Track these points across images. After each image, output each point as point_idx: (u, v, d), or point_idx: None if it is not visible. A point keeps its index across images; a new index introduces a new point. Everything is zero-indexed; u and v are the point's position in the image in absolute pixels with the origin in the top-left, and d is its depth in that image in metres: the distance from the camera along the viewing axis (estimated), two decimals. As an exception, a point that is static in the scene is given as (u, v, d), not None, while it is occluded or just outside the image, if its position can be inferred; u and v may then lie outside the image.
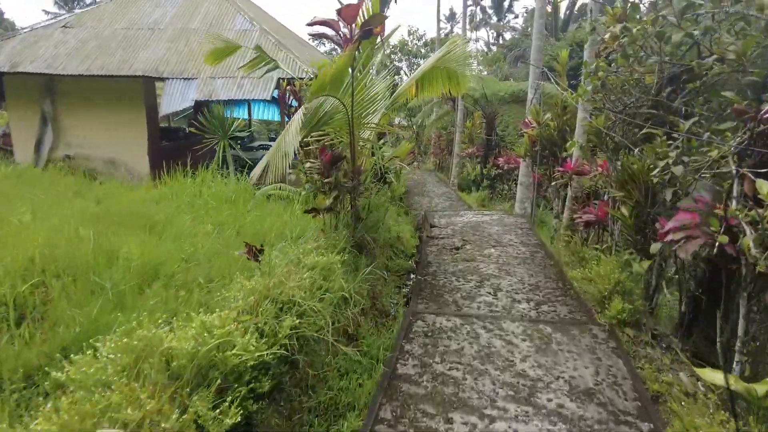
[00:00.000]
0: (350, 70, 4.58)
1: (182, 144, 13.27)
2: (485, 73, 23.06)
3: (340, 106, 4.86)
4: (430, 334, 3.92)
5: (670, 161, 3.46)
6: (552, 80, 7.71)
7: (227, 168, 9.77)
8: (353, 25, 4.54)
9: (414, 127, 25.55)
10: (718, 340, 3.51)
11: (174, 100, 10.10)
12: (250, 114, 18.71)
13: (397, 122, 27.84)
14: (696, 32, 3.65)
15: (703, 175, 3.28)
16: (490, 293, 5.06)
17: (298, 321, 2.87)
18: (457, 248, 6.94)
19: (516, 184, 12.17)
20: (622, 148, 5.40)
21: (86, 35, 11.46)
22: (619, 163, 5.30)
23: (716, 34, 4.00)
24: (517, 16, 48.87)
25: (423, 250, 6.80)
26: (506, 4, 46.92)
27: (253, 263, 3.56)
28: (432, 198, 14.12)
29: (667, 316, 5.18)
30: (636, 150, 4.89)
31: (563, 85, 7.90)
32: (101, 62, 10.60)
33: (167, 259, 4.54)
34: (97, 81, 10.80)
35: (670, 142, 4.09)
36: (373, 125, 5.81)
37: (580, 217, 6.32)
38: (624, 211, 5.31)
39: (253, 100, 15.33)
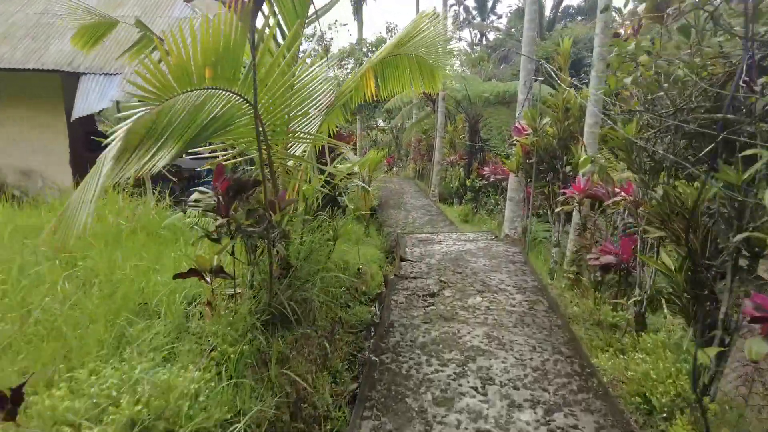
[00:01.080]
0: (250, 45, 2.84)
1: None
2: (468, 72, 21.50)
3: (243, 107, 3.11)
4: None
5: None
6: (552, 73, 6.07)
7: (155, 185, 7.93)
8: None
9: (393, 130, 23.90)
10: None
11: (90, 99, 8.24)
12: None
13: (379, 125, 26.17)
14: None
15: None
16: (476, 389, 3.35)
17: None
18: (433, 294, 5.24)
19: (504, 196, 10.58)
20: (667, 169, 3.76)
21: (-11, 20, 9.50)
22: (660, 190, 3.66)
23: None
24: (500, 17, 47.56)
25: (387, 300, 5.08)
26: (489, 4, 45.66)
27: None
28: (409, 212, 12.44)
29: (725, 410, 3.54)
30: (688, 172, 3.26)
31: (566, 80, 6.28)
32: (2, 53, 8.69)
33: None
34: (5, 76, 8.89)
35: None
36: (309, 135, 4.07)
37: (596, 259, 4.68)
38: (666, 260, 3.66)
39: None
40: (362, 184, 6.23)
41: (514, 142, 6.99)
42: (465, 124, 15.36)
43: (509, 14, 44.47)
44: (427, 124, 18.22)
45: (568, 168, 6.44)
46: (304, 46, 31.98)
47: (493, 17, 47.15)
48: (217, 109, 2.98)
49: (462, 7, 45.21)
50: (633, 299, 4.34)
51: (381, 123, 26.14)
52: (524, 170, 6.95)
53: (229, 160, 3.75)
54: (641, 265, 4.40)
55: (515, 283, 5.56)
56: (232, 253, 3.21)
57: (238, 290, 3.40)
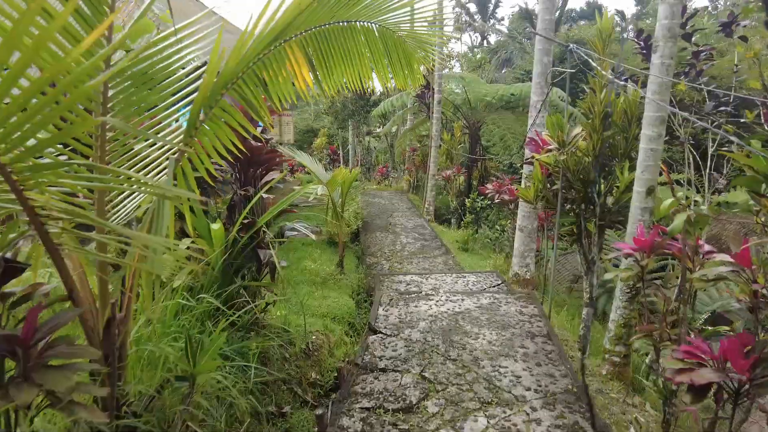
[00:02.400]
0: None
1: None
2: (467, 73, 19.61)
3: None
4: None
5: None
6: (583, 60, 4.15)
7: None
8: None
9: (387, 137, 22.02)
10: None
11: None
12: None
13: (377, 131, 24.23)
14: None
15: None
16: None
17: None
18: (409, 408, 3.30)
19: (512, 222, 8.68)
20: None
21: None
22: None
23: None
24: (502, 19, 45.91)
25: (337, 428, 3.11)
26: (490, 7, 44.05)
27: None
28: (398, 235, 10.51)
29: None
30: None
31: (606, 66, 4.37)
32: None
33: None
34: None
35: None
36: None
37: (685, 371, 2.73)
38: None
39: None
40: (305, 230, 4.17)
41: (530, 160, 5.07)
42: (464, 131, 13.48)
43: (510, 16, 42.86)
44: (423, 131, 16.35)
45: (610, 199, 4.52)
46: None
47: (493, 20, 45.59)
48: None
49: (463, 10, 43.56)
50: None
51: (379, 130, 24.23)
52: (546, 199, 5.02)
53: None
54: (771, 390, 2.46)
55: (538, 381, 3.61)
56: None
57: None
